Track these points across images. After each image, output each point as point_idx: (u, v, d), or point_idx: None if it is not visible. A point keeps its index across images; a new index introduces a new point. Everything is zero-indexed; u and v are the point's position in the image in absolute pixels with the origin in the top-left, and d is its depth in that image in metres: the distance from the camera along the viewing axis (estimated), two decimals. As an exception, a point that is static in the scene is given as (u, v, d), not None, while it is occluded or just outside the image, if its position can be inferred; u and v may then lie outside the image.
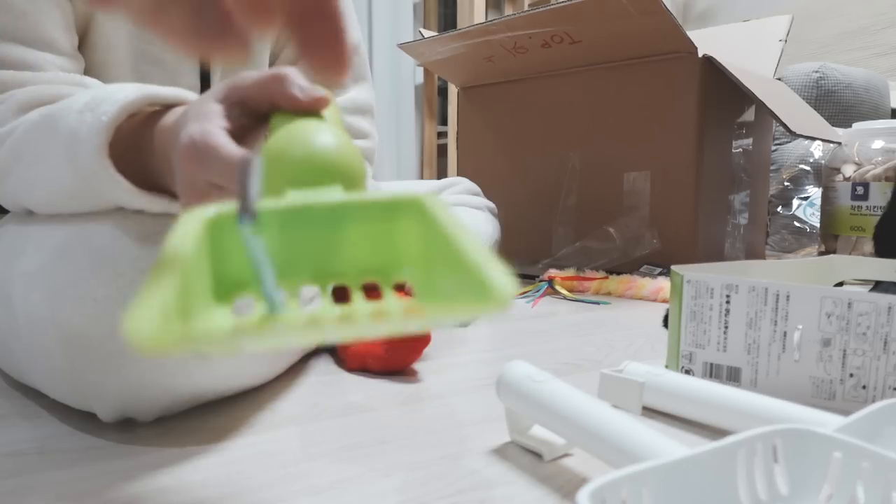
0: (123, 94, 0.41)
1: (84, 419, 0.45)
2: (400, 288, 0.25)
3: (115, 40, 0.59)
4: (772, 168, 1.56)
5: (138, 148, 0.42)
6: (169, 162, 0.39)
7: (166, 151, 0.39)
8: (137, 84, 0.43)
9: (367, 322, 0.20)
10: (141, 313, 0.17)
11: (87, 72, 0.59)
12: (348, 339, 0.20)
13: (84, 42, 0.59)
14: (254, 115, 0.37)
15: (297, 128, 0.32)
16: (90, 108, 0.41)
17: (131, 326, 0.16)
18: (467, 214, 0.95)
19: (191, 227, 0.23)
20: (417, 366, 0.61)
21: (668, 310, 0.78)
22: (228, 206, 0.25)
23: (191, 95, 0.43)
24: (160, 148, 0.41)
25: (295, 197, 0.27)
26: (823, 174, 1.43)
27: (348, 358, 0.60)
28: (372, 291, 0.24)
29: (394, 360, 0.58)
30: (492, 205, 1.04)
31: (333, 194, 0.27)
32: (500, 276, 0.18)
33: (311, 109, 0.34)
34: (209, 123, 0.35)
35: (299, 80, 0.36)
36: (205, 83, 0.65)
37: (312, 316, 0.21)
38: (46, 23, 0.53)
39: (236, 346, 0.17)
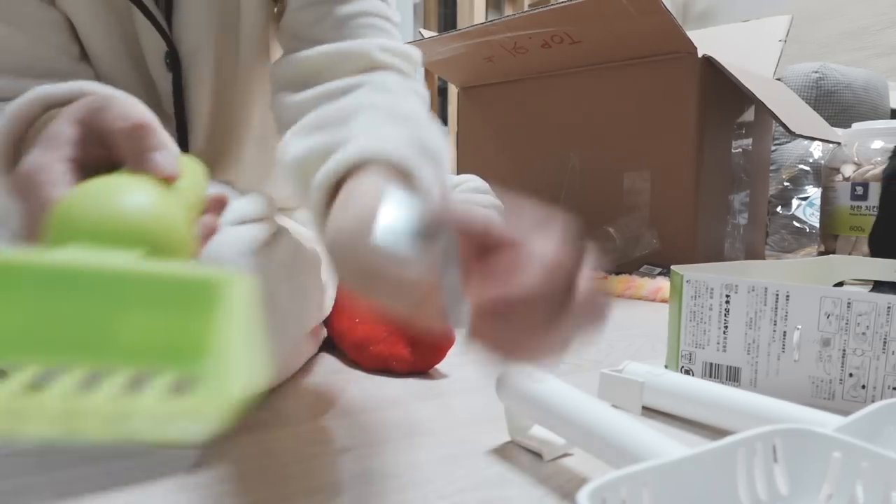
0: (14, 104, 0.37)
1: (84, 419, 0.45)
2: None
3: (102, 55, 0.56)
4: (771, 168, 1.56)
5: None
6: None
7: None
8: (39, 88, 0.38)
9: (87, 419, 0.16)
10: None
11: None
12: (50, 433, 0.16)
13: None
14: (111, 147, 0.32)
15: (108, 182, 0.27)
16: None
17: None
18: None
19: None
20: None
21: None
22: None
23: (88, 86, 0.38)
24: None
25: (62, 253, 0.22)
26: (823, 174, 1.43)
27: (366, 358, 0.60)
28: None
29: (419, 361, 0.58)
30: (500, 204, 1.03)
31: (115, 258, 0.22)
32: (240, 373, 0.16)
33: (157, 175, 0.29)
34: (50, 153, 0.30)
35: (159, 141, 0.30)
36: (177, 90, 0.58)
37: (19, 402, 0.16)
38: (41, 49, 0.49)
39: None
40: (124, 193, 0.26)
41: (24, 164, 0.29)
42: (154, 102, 0.56)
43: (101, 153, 0.31)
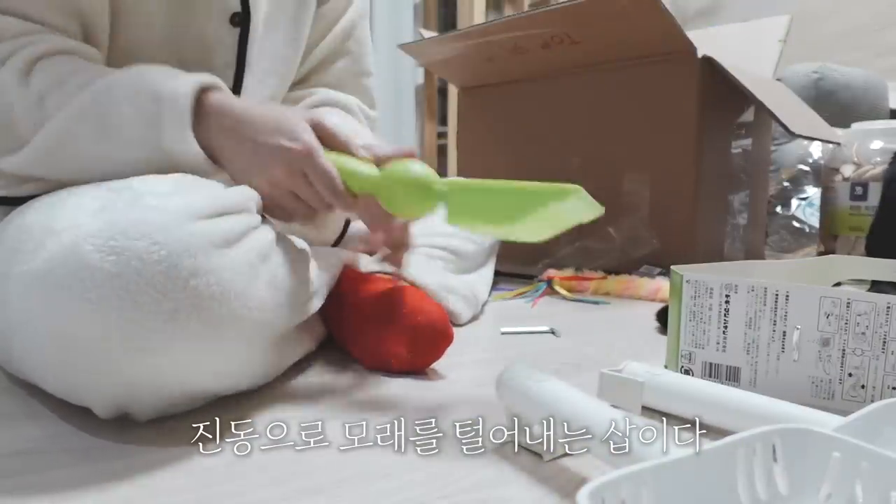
0: (175, 99, 0.50)
1: (85, 419, 0.45)
2: None
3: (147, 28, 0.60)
4: (771, 168, 1.56)
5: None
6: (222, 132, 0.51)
7: (224, 132, 0.51)
8: (192, 78, 0.51)
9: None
10: None
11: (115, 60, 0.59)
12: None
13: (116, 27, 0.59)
14: None
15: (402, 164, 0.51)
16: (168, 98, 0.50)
17: None
18: None
19: None
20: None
21: (664, 305, 0.78)
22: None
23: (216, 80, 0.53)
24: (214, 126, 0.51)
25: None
26: (823, 174, 1.43)
27: (367, 357, 0.60)
28: None
29: (416, 359, 0.58)
30: None
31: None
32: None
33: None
34: (320, 157, 0.50)
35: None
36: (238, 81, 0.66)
37: None
38: (44, 8, 0.53)
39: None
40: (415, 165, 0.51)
41: (317, 155, 0.50)
42: (206, 57, 0.64)
43: None
